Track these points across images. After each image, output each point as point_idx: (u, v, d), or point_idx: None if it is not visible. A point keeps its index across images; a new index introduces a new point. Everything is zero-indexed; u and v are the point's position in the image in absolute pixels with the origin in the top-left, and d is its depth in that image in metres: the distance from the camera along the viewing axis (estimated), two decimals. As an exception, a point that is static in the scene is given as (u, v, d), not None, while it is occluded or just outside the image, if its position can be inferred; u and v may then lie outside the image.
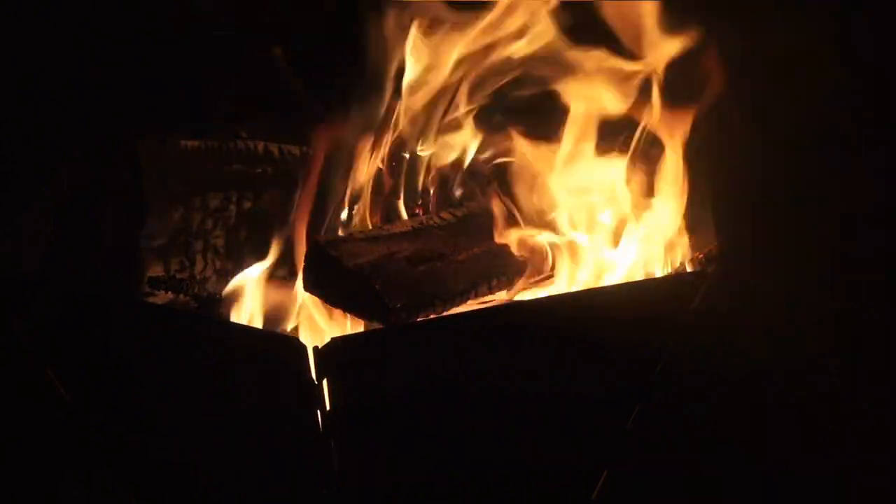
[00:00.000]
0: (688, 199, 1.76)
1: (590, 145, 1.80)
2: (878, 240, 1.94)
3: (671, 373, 1.63)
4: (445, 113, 1.84)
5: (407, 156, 1.87)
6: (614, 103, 1.77)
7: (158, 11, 2.00)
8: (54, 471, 1.78)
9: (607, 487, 1.64)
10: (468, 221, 1.81)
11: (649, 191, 1.81)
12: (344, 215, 1.83)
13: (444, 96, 1.83)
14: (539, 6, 1.76)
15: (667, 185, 1.76)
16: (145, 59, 1.98)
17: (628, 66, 1.75)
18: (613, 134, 1.81)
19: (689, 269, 1.75)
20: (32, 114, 1.90)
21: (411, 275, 1.63)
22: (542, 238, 1.81)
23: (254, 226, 2.00)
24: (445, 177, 1.90)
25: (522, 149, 1.83)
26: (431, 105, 1.84)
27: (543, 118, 1.82)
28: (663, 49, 1.73)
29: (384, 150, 1.85)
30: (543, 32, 1.77)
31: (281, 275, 1.77)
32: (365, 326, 1.64)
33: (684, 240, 1.77)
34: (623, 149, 1.81)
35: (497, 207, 1.83)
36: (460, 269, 1.69)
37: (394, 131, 1.84)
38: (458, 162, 1.89)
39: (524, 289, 1.77)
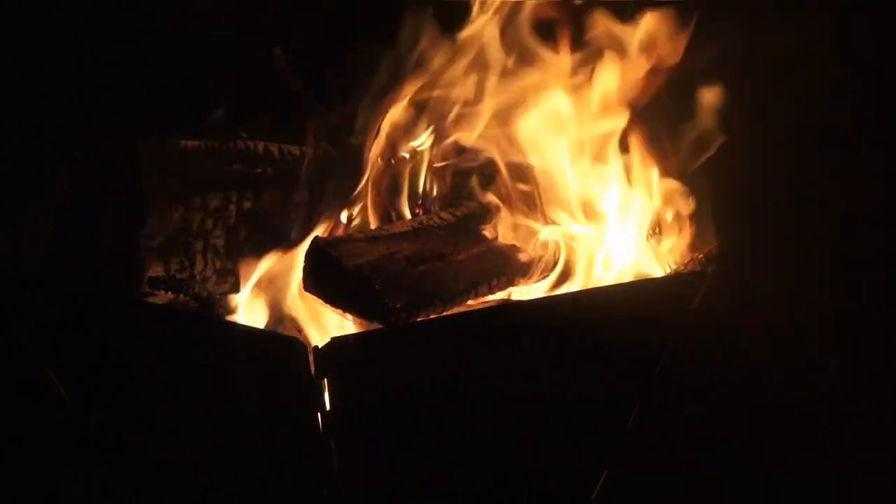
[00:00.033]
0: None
1: (588, 142, 1.81)
2: (878, 240, 1.94)
3: (671, 373, 1.63)
4: (446, 112, 1.85)
5: (407, 155, 1.87)
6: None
7: (158, 11, 2.00)
8: (54, 471, 1.78)
9: (607, 487, 1.64)
10: (468, 221, 1.81)
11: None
12: (344, 216, 1.84)
13: (445, 95, 1.83)
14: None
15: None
16: (145, 59, 1.98)
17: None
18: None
19: (689, 269, 1.76)
20: (32, 114, 1.90)
21: (411, 275, 1.63)
22: (543, 236, 1.80)
23: (254, 226, 2.00)
24: (446, 176, 1.90)
25: (522, 147, 1.83)
26: (431, 104, 1.84)
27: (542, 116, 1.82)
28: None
29: (385, 150, 1.85)
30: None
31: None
32: (365, 326, 1.64)
33: (682, 240, 1.78)
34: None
35: (497, 205, 1.83)
36: (460, 269, 1.69)
37: (394, 131, 1.84)
38: (458, 162, 1.89)
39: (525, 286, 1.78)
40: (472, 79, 1.83)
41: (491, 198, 1.85)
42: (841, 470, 1.80)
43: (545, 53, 1.80)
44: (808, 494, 1.78)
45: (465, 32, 1.82)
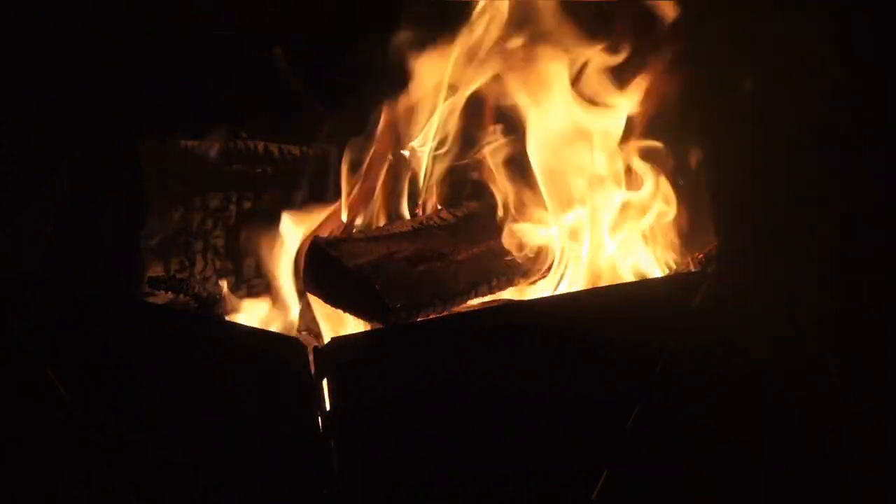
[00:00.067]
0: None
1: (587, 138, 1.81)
2: (878, 240, 1.94)
3: (671, 373, 1.62)
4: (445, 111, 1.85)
5: (407, 155, 1.87)
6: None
7: (158, 11, 2.00)
8: (54, 471, 1.78)
9: (607, 487, 1.64)
10: (468, 221, 1.81)
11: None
12: (345, 216, 1.84)
13: (445, 95, 1.83)
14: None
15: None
16: (145, 59, 1.98)
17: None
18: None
19: (689, 269, 1.76)
20: (32, 114, 1.90)
21: (411, 275, 1.63)
22: (543, 236, 1.80)
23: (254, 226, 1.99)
24: (446, 176, 1.90)
25: (521, 145, 1.83)
26: (432, 104, 1.84)
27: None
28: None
29: (385, 149, 1.85)
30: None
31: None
32: (365, 326, 1.64)
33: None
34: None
35: (497, 205, 1.83)
36: (460, 269, 1.69)
37: (394, 131, 1.84)
38: (458, 161, 1.89)
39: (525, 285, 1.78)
40: (472, 78, 1.83)
41: (491, 197, 1.85)
42: (841, 470, 1.80)
43: (545, 52, 1.80)
44: (808, 494, 1.78)
45: (465, 31, 1.81)
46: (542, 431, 1.55)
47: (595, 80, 1.79)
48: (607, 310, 1.56)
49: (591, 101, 1.80)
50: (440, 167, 1.88)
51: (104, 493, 1.70)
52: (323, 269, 1.65)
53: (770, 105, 1.88)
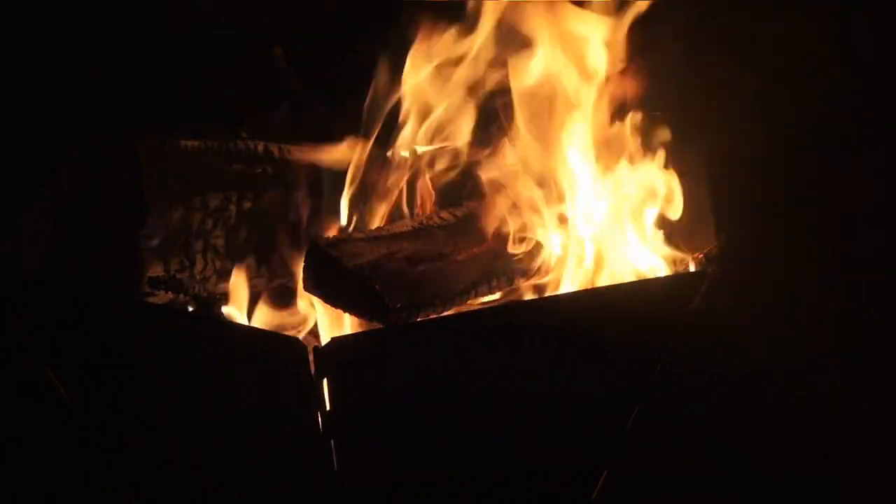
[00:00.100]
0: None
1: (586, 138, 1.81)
2: (878, 240, 1.94)
3: (671, 373, 1.62)
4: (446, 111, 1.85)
5: (407, 155, 1.87)
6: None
7: (158, 11, 2.00)
8: (54, 471, 1.78)
9: (607, 487, 1.64)
10: (468, 221, 1.81)
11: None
12: (344, 216, 1.84)
13: (446, 94, 1.83)
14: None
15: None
16: (145, 59, 1.98)
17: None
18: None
19: (689, 269, 1.76)
20: (32, 114, 1.90)
21: (411, 275, 1.63)
22: (543, 236, 1.80)
23: (254, 226, 2.00)
24: (446, 176, 1.90)
25: (520, 144, 1.83)
26: (431, 104, 1.84)
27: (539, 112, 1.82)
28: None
29: (386, 150, 1.85)
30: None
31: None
32: (365, 326, 1.64)
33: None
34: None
35: (497, 205, 1.83)
36: (460, 269, 1.69)
37: (394, 131, 1.84)
38: (458, 160, 1.89)
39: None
40: (473, 77, 1.83)
41: (491, 197, 1.85)
42: (841, 470, 1.80)
43: (546, 49, 1.80)
44: (808, 494, 1.78)
45: (464, 30, 1.81)
46: (542, 431, 1.55)
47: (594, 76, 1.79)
48: (607, 310, 1.56)
49: (592, 98, 1.79)
50: (440, 167, 1.88)
51: (104, 493, 1.70)
52: (323, 269, 1.65)
53: (770, 105, 1.88)
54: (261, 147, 1.99)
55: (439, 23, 1.80)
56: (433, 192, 1.89)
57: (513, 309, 1.66)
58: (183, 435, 1.56)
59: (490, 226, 1.78)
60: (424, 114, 1.84)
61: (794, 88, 1.88)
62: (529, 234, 1.80)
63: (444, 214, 1.81)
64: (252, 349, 1.46)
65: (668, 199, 1.80)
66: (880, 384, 1.91)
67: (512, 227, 1.77)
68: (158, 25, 2.00)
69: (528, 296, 1.77)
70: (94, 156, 1.91)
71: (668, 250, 1.81)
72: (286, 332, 1.68)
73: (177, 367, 1.51)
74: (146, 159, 1.93)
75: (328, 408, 1.40)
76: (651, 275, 1.77)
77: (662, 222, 1.82)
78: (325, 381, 1.38)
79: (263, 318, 1.75)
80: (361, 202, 1.85)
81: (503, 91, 1.82)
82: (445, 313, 1.63)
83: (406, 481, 1.51)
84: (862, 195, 1.93)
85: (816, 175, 1.91)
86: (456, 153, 1.88)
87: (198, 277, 1.95)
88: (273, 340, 1.48)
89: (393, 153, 1.86)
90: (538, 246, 1.78)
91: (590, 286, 1.76)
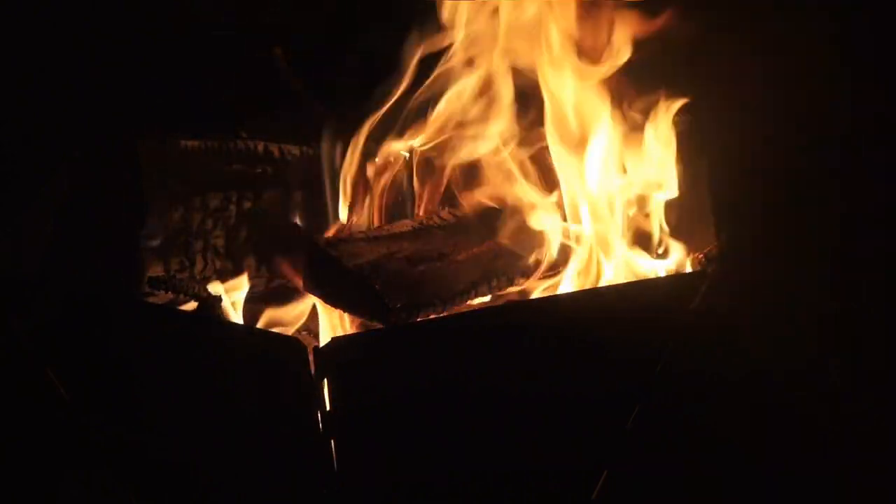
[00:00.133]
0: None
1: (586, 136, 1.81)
2: (878, 240, 1.94)
3: (671, 373, 1.62)
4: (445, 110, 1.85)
5: (407, 155, 1.87)
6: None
7: (158, 11, 2.00)
8: (54, 471, 1.78)
9: (607, 487, 1.64)
10: (468, 221, 1.81)
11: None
12: (344, 216, 1.84)
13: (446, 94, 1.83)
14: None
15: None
16: (145, 59, 1.98)
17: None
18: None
19: (689, 269, 1.75)
20: (32, 114, 1.90)
21: (411, 275, 1.63)
22: (544, 235, 1.80)
23: (254, 226, 2.00)
24: (446, 176, 1.90)
25: (522, 146, 1.83)
26: (431, 104, 1.84)
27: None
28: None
29: (386, 149, 1.85)
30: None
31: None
32: (365, 326, 1.64)
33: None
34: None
35: (497, 205, 1.83)
36: (460, 269, 1.69)
37: (395, 131, 1.84)
38: (457, 161, 1.89)
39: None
40: (472, 76, 1.82)
41: (491, 197, 1.85)
42: (841, 470, 1.80)
43: (546, 48, 1.80)
44: (808, 494, 1.78)
45: (464, 30, 1.81)
46: (542, 431, 1.55)
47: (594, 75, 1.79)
48: (607, 310, 1.56)
49: (592, 98, 1.79)
50: (440, 166, 1.88)
51: (104, 493, 1.70)
52: (323, 269, 1.65)
53: (770, 105, 1.88)
54: (261, 147, 1.99)
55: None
56: (433, 191, 1.89)
57: (513, 309, 1.66)
58: (183, 435, 1.56)
59: (490, 226, 1.78)
60: (425, 111, 1.84)
61: (794, 88, 1.88)
62: (529, 234, 1.80)
63: (444, 214, 1.81)
64: (252, 349, 1.46)
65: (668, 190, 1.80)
66: (880, 384, 1.91)
67: (512, 227, 1.77)
68: (158, 25, 2.00)
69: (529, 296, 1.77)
70: (94, 156, 1.91)
71: (667, 250, 1.81)
72: (286, 332, 1.69)
73: (177, 368, 1.51)
74: (146, 159, 1.93)
75: (328, 408, 1.40)
76: (651, 275, 1.77)
77: (664, 220, 1.82)
78: (325, 381, 1.38)
79: (263, 317, 1.75)
80: (361, 202, 1.85)
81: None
82: (445, 313, 1.63)
83: (406, 481, 1.51)
84: (862, 195, 1.93)
85: (816, 175, 1.92)
86: (457, 152, 1.88)
87: (198, 277, 1.95)
88: (273, 340, 1.48)
89: (393, 153, 1.86)
90: (538, 246, 1.78)
91: (590, 286, 1.76)
